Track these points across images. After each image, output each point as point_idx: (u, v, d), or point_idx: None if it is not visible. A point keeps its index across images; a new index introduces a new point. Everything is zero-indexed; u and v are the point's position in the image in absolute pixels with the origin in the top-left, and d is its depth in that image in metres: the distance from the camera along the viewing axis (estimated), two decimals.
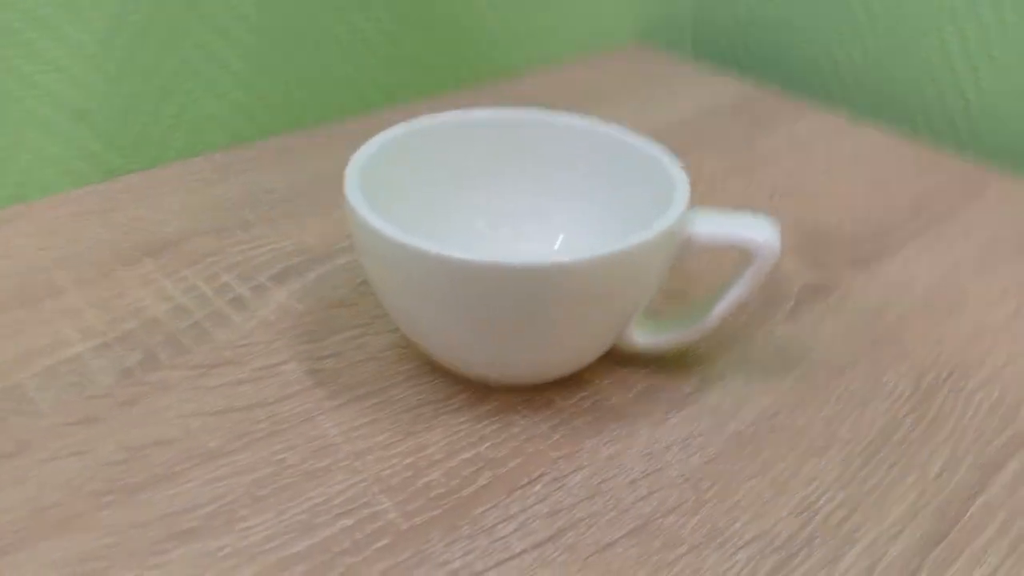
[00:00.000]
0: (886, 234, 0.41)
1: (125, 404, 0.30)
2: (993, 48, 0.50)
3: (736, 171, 0.46)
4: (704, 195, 0.44)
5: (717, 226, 0.29)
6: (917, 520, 0.27)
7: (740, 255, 0.29)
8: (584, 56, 0.61)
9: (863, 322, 0.35)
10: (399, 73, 0.53)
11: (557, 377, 0.31)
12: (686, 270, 0.38)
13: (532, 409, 0.30)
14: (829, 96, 0.59)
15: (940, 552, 0.26)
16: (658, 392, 0.31)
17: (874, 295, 0.37)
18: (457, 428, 0.29)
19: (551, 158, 0.35)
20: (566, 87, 0.56)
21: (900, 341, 0.34)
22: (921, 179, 0.46)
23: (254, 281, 0.36)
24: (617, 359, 0.32)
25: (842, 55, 0.58)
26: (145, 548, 0.25)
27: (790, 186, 0.45)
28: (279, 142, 0.47)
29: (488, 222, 0.35)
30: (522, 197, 0.35)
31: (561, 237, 0.35)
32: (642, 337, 0.31)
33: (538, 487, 0.27)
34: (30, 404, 0.29)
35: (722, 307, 0.30)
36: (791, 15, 0.59)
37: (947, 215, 0.43)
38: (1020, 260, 0.40)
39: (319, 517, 0.26)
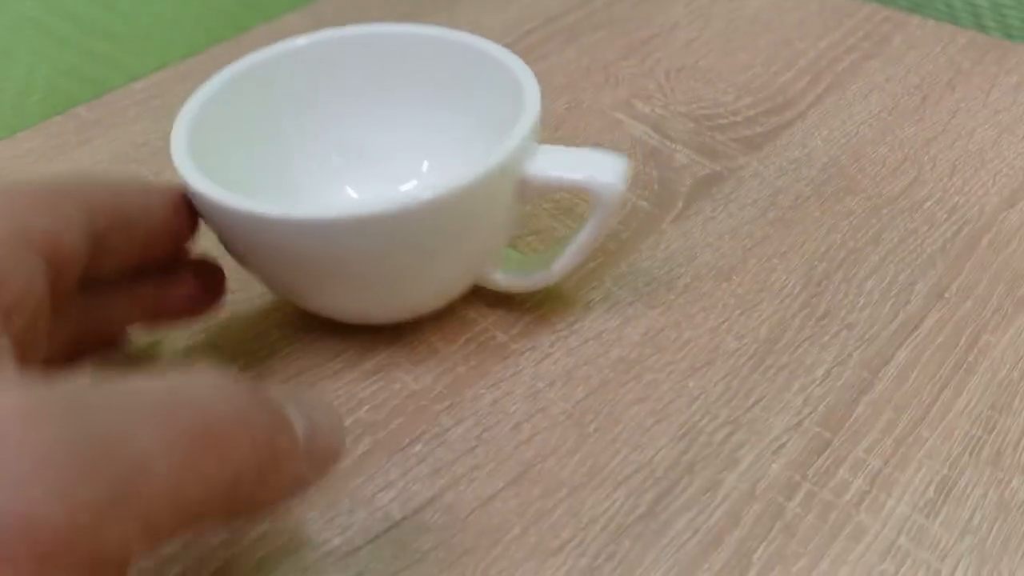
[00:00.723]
0: (785, 106, 0.39)
1: None
2: None
3: (632, 50, 0.44)
4: (599, 84, 0.41)
5: (556, 168, 0.27)
6: (801, 430, 0.27)
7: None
8: None
9: (754, 214, 0.34)
10: None
11: (423, 314, 0.30)
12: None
13: (414, 362, 0.29)
14: None
15: (823, 462, 0.26)
16: (542, 324, 0.30)
17: (768, 180, 0.35)
18: (336, 394, 0.29)
19: (403, 77, 0.32)
20: None
21: (792, 231, 0.33)
22: (826, 32, 0.44)
23: None
24: (502, 296, 0.31)
25: None
26: None
27: (686, 62, 0.42)
28: (147, 85, 0.44)
29: (344, 157, 0.33)
30: (379, 124, 0.33)
31: (426, 163, 0.33)
32: (503, 279, 0.30)
33: (419, 446, 0.27)
34: None
35: (566, 259, 0.29)
36: None
37: (850, 72, 0.41)
38: (920, 117, 0.38)
39: None
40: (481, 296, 0.31)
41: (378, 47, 0.32)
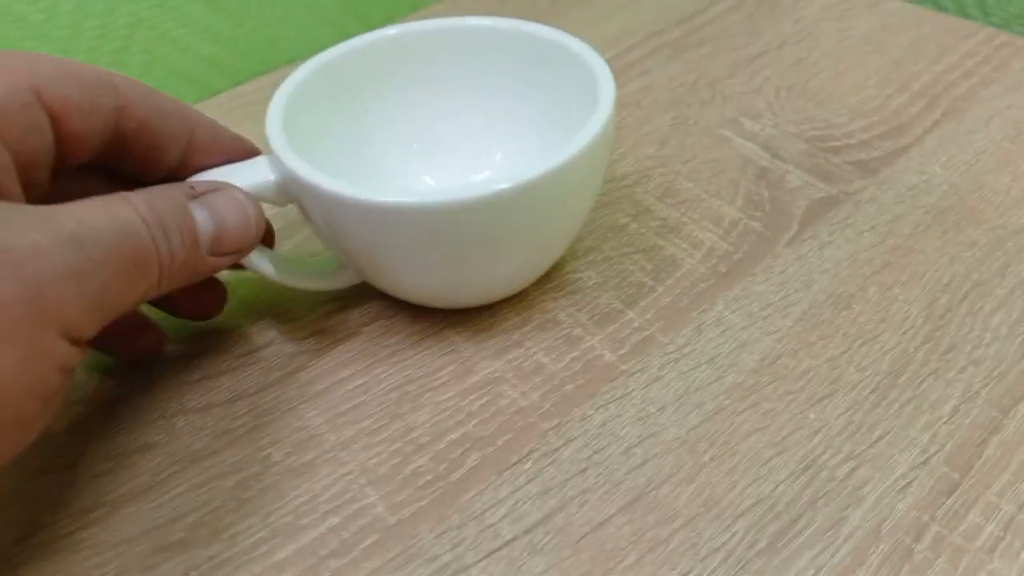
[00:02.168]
0: (900, 130, 0.38)
1: (110, 407, 0.29)
2: None
3: (738, 68, 0.43)
4: (704, 100, 0.41)
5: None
6: (928, 468, 0.25)
7: None
8: None
9: (873, 241, 0.33)
10: None
11: (498, 299, 0.31)
12: None
13: (520, 377, 0.29)
14: None
15: (952, 503, 0.25)
16: (651, 345, 0.30)
17: (886, 206, 0.34)
18: (444, 406, 0.28)
19: (483, 68, 0.33)
20: None
21: (913, 260, 0.32)
22: (942, 56, 0.42)
23: None
24: (611, 313, 0.31)
25: None
26: (134, 564, 0.25)
27: (796, 81, 0.41)
28: (252, 90, 0.45)
29: (423, 145, 0.34)
30: (457, 113, 0.34)
31: (499, 154, 0.34)
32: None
33: (528, 464, 0.26)
34: None
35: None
36: None
37: (968, 98, 0.40)
38: None
39: (305, 517, 0.26)
40: (587, 312, 0.31)
41: (461, 39, 0.33)
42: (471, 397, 0.29)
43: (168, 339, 0.31)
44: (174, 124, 0.26)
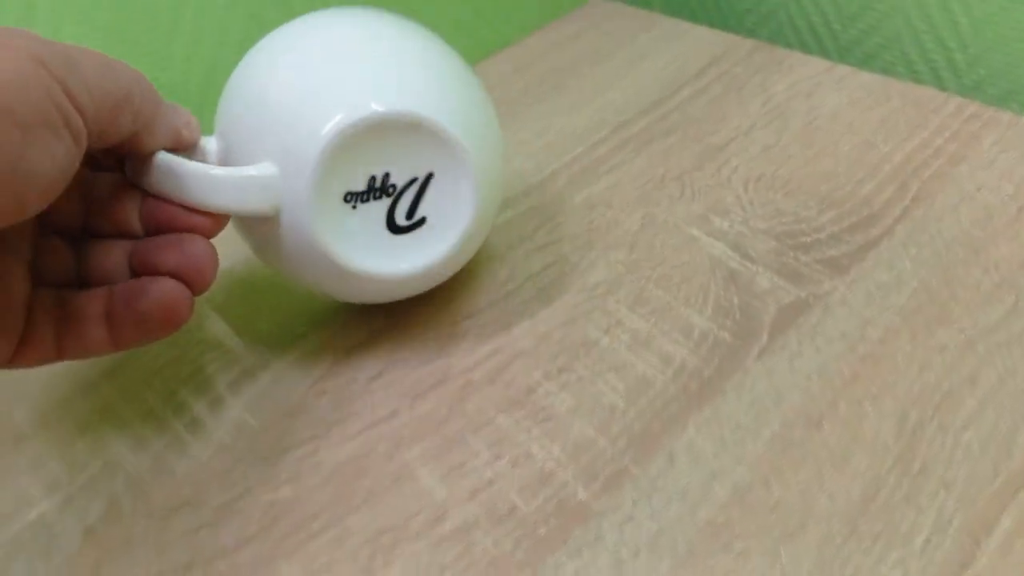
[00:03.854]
0: (870, 220, 0.38)
1: (93, 566, 0.30)
2: None
3: (706, 158, 0.43)
4: (673, 196, 0.41)
5: None
6: None
7: None
8: (547, 24, 0.57)
9: (843, 349, 0.33)
10: None
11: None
12: None
13: (493, 522, 0.29)
14: (819, 45, 0.55)
15: None
16: (624, 478, 0.30)
17: (855, 309, 0.34)
18: (417, 560, 0.28)
19: None
20: (526, 67, 0.52)
21: (883, 369, 0.32)
22: (912, 132, 0.42)
23: (211, 394, 0.35)
24: (583, 442, 0.31)
25: (815, 13, 0.53)
26: None
27: (765, 170, 0.42)
28: None
29: None
30: None
31: None
32: None
33: None
34: None
35: None
36: None
37: (938, 178, 0.39)
38: (1016, 233, 0.36)
39: None
40: (559, 443, 0.31)
41: None
42: (444, 546, 0.29)
43: (149, 490, 0.31)
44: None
